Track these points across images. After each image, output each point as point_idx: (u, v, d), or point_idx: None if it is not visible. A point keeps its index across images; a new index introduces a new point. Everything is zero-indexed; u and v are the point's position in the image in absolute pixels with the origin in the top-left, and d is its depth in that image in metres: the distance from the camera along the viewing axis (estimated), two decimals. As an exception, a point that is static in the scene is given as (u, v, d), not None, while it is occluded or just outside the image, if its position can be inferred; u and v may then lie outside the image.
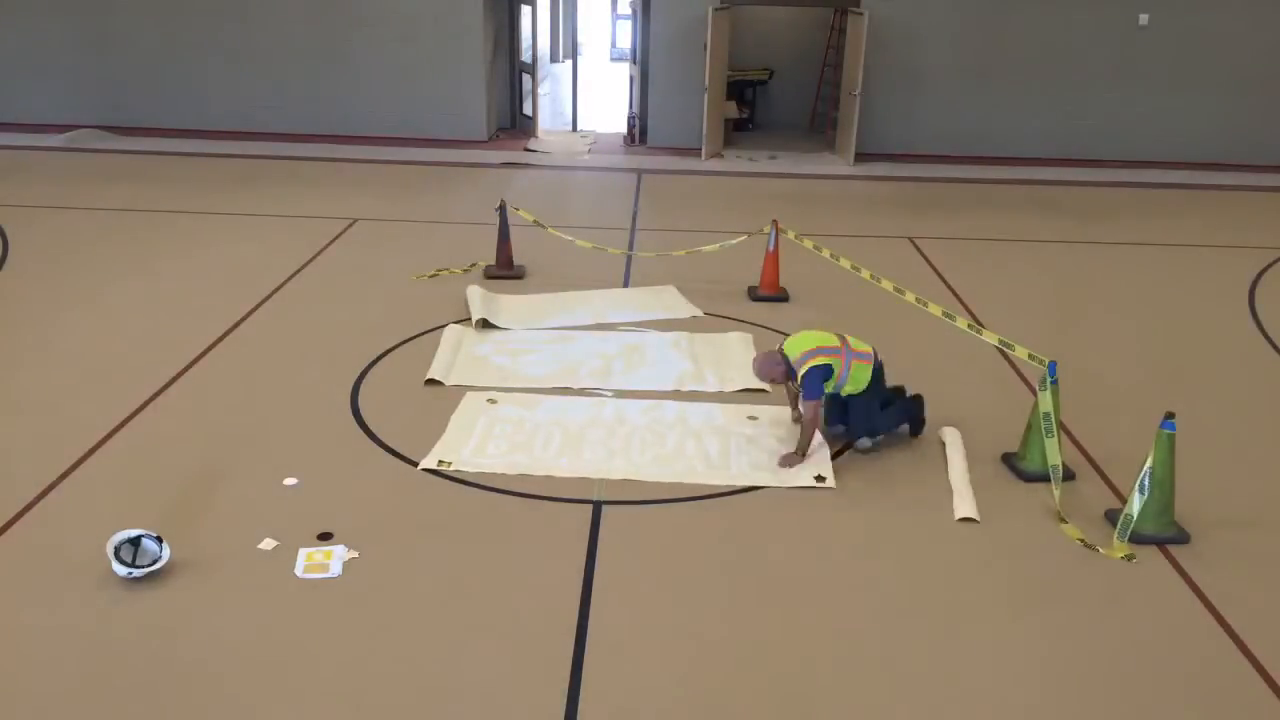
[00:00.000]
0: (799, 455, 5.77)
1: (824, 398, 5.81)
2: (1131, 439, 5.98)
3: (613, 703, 3.99)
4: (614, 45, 27.37)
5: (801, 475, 5.69)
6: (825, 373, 5.73)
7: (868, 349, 5.92)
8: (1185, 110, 14.69)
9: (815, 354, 5.75)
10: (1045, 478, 5.52)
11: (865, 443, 5.97)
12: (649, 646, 4.32)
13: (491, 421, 6.22)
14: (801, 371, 5.74)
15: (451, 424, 6.16)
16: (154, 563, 4.59)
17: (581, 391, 6.72)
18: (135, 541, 4.62)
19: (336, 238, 10.06)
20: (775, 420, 6.38)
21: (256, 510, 5.20)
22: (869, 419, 5.94)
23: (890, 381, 6.20)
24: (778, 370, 5.91)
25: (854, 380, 5.85)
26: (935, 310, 6.63)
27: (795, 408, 6.26)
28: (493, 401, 6.48)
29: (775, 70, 16.56)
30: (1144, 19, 14.32)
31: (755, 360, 6.10)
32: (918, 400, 6.19)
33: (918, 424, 6.17)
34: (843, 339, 5.89)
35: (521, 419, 6.27)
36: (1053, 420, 5.41)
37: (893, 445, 6.10)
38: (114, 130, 14.62)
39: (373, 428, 6.14)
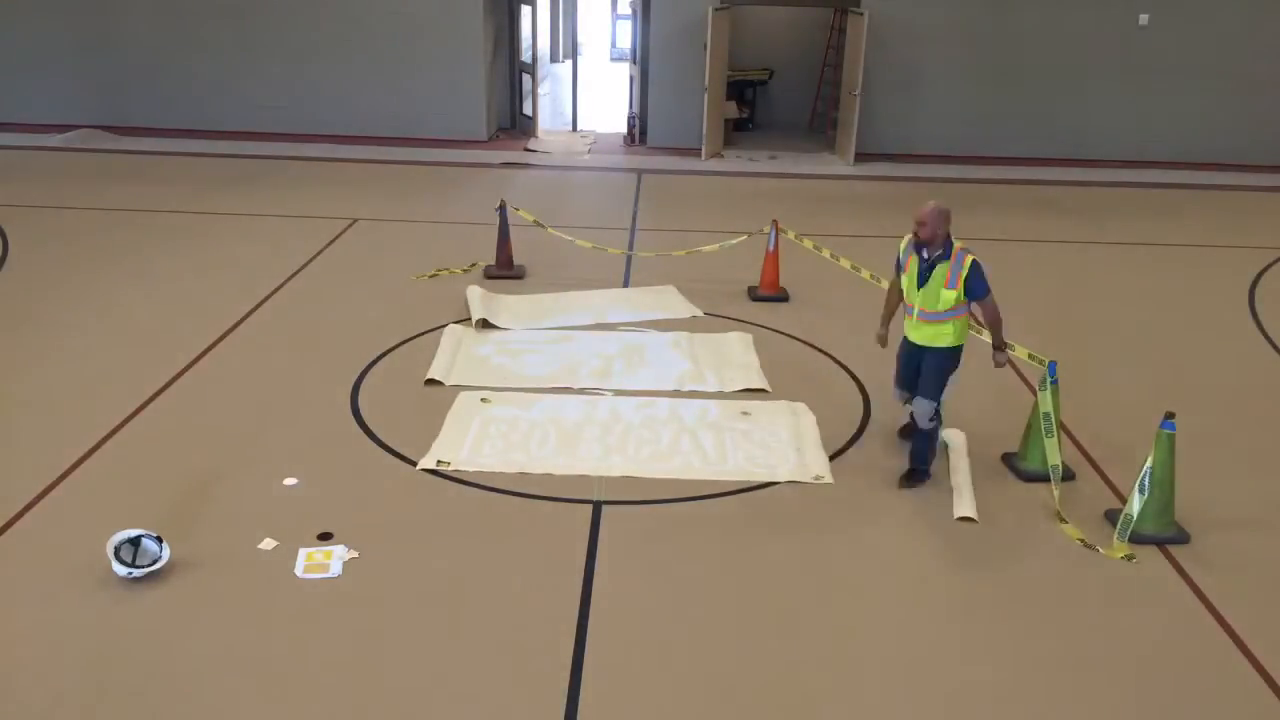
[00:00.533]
0: (1000, 349, 5.56)
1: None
2: (1131, 439, 5.99)
3: (613, 703, 4.00)
4: (614, 45, 27.34)
5: (800, 473, 5.71)
6: (983, 272, 5.28)
7: None
8: (1185, 110, 14.68)
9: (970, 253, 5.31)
10: (1045, 478, 5.52)
11: (928, 409, 5.43)
12: (649, 647, 4.32)
13: (486, 421, 6.22)
14: (969, 264, 5.23)
15: (446, 424, 6.16)
16: (154, 563, 4.59)
17: (582, 392, 6.72)
18: (135, 541, 4.62)
19: (336, 238, 10.06)
20: (769, 416, 6.40)
21: (256, 510, 5.20)
22: (939, 383, 5.44)
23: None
24: (941, 227, 5.26)
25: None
26: (935, 310, 6.62)
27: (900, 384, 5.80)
28: (486, 401, 6.49)
29: (775, 70, 16.55)
30: (1144, 19, 14.32)
31: (935, 207, 5.29)
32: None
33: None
34: None
35: (516, 418, 6.28)
36: (1053, 420, 5.41)
37: (893, 446, 6.11)
38: (114, 130, 14.62)
39: (373, 428, 6.14)
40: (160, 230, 10.12)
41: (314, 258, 9.38)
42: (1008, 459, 5.91)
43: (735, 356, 7.33)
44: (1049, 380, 5.40)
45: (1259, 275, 9.82)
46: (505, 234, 9.09)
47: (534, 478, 5.61)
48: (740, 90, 16.17)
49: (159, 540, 4.67)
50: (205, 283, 8.58)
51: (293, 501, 5.31)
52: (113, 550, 4.56)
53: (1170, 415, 5.06)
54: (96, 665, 4.10)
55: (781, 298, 8.61)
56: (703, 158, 14.38)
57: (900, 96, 14.66)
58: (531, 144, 14.95)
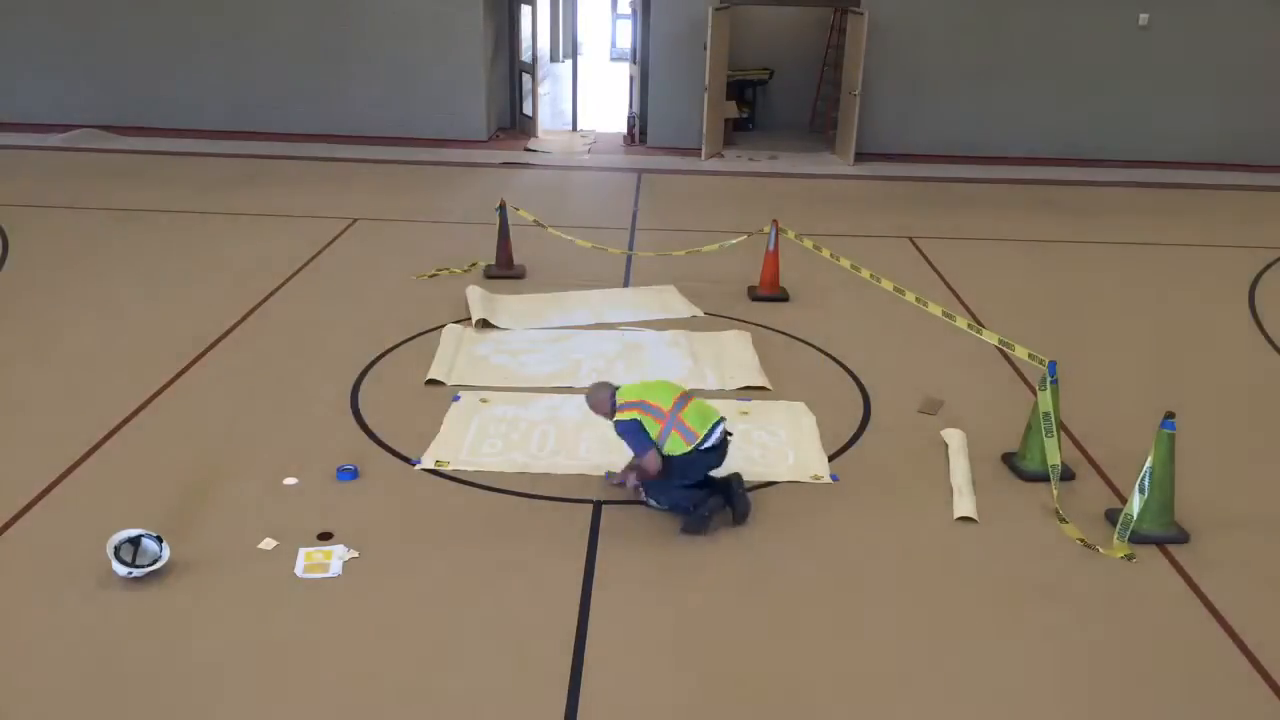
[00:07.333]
0: (629, 473, 5.40)
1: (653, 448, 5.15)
2: (1131, 439, 5.98)
3: (613, 703, 3.99)
4: (614, 45, 27.33)
5: (799, 472, 5.71)
6: (635, 427, 5.13)
7: (699, 430, 5.15)
8: (1185, 110, 14.68)
9: (633, 407, 5.17)
10: (1045, 478, 5.52)
11: (653, 502, 5.33)
12: (649, 646, 4.32)
13: (485, 421, 6.23)
14: (612, 420, 5.23)
15: (445, 423, 6.16)
16: (154, 563, 4.59)
17: (582, 391, 6.71)
18: (135, 541, 4.62)
19: (336, 238, 10.05)
20: (768, 416, 6.40)
21: (256, 510, 5.20)
22: (662, 489, 5.27)
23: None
24: (603, 405, 5.31)
25: (671, 445, 5.18)
26: (935, 310, 6.63)
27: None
28: (485, 401, 6.49)
29: (775, 70, 16.54)
30: (1144, 19, 14.33)
31: (592, 388, 5.49)
32: (732, 482, 5.32)
33: (740, 506, 5.24)
34: (683, 402, 5.23)
35: (516, 417, 6.28)
36: (1053, 420, 5.40)
37: (893, 445, 6.11)
38: (114, 130, 14.61)
39: (373, 428, 6.14)
40: (160, 230, 10.12)
41: (314, 258, 9.38)
42: (1008, 459, 5.91)
43: (735, 354, 7.33)
44: (1049, 380, 5.40)
45: (1259, 275, 9.82)
46: (505, 234, 9.09)
47: (534, 477, 5.62)
48: (740, 90, 16.17)
49: (159, 540, 4.67)
50: (205, 282, 8.58)
51: (293, 501, 5.31)
52: (113, 550, 4.56)
53: (1170, 415, 5.06)
54: (96, 665, 4.10)
55: (781, 298, 8.61)
56: (703, 158, 14.38)
57: (900, 96, 14.66)
58: (531, 144, 14.96)
